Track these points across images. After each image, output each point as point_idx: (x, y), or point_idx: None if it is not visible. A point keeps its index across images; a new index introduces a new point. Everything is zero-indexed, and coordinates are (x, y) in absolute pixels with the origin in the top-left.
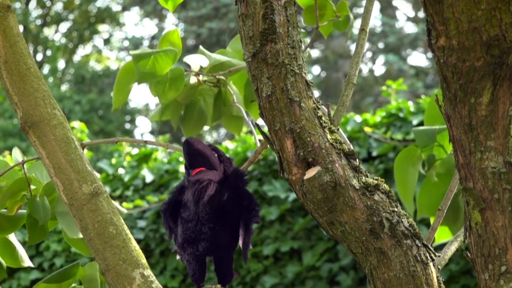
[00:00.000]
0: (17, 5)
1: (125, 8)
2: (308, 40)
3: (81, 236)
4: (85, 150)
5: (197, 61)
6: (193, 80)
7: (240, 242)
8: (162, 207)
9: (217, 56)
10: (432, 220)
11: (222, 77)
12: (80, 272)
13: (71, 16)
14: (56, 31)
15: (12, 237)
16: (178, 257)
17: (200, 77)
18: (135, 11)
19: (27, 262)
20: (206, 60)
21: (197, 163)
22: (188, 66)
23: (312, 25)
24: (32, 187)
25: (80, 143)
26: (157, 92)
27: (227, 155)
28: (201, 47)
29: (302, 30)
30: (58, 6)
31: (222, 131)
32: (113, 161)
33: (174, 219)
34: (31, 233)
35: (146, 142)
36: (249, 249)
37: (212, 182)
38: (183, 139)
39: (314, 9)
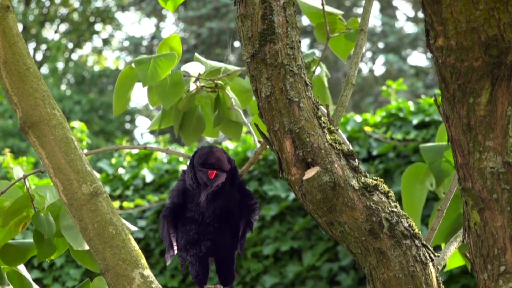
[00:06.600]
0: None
1: (124, 8)
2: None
3: (87, 247)
4: (85, 151)
5: (194, 68)
6: (192, 87)
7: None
8: (164, 213)
9: (213, 63)
10: (443, 245)
11: (220, 81)
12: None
13: (70, 16)
14: (56, 31)
15: (25, 272)
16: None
17: (198, 83)
18: (135, 11)
19: None
20: (202, 67)
21: (213, 165)
22: (187, 73)
23: (324, 42)
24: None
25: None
26: (159, 96)
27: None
28: (196, 54)
29: (315, 57)
30: (58, 6)
31: None
32: (113, 161)
33: (173, 223)
34: (39, 249)
35: (145, 147)
36: (243, 239)
37: (226, 184)
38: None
39: (324, 26)
